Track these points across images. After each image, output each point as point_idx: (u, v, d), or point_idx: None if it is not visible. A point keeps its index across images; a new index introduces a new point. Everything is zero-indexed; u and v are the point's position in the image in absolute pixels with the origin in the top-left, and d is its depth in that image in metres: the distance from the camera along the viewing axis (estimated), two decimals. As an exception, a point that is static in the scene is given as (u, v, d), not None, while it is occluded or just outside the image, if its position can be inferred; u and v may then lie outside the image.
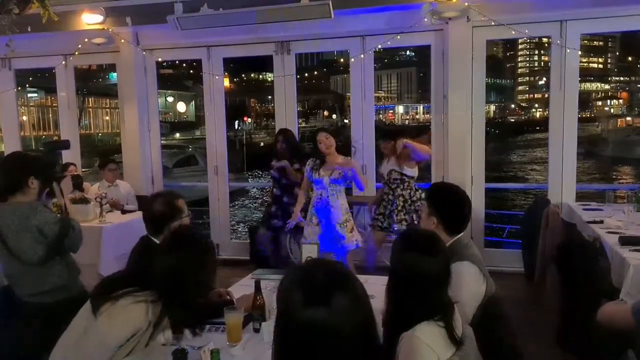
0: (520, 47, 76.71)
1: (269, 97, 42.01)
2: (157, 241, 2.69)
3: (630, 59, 71.35)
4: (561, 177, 5.66)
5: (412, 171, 5.01)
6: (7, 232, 2.85)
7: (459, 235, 2.48)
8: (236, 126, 38.94)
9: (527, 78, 77.62)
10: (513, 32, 5.48)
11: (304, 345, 1.17)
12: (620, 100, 68.18)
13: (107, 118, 39.39)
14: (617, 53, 74.96)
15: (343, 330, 1.16)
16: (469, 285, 2.31)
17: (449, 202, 2.52)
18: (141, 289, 2.04)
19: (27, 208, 2.86)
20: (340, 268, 1.27)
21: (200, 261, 2.12)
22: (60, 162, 5.43)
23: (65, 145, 4.26)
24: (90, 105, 37.96)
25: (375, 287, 2.08)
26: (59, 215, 3.05)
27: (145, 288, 2.05)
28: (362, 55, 6.02)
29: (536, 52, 77.06)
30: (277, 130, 5.92)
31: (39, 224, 2.84)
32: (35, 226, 2.82)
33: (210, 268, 2.18)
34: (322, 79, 62.08)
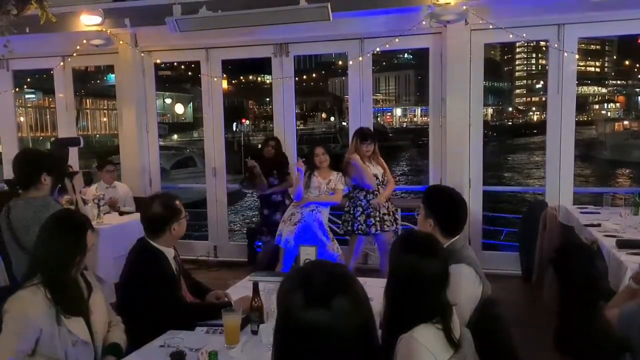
0: (517, 50, 76.91)
1: (267, 99, 41.99)
2: (154, 243, 2.69)
3: (627, 62, 71.60)
4: (559, 180, 5.67)
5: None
6: (19, 227, 2.90)
7: (455, 238, 2.50)
8: (234, 128, 38.92)
9: (525, 81, 77.82)
10: (511, 36, 5.50)
11: (303, 347, 1.17)
12: (617, 104, 68.41)
13: (105, 119, 39.32)
14: (614, 57, 75.22)
15: (343, 332, 1.16)
16: (465, 287, 2.32)
17: (445, 204, 2.55)
18: (29, 278, 2.17)
19: (39, 203, 2.92)
20: (340, 270, 1.27)
21: (64, 238, 2.22)
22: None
23: (76, 142, 4.30)
24: (88, 106, 37.89)
25: (374, 289, 2.07)
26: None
27: (33, 275, 2.17)
28: (360, 58, 6.02)
29: (534, 55, 77.27)
30: (272, 133, 6.09)
31: None
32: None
33: (73, 242, 2.24)
34: (320, 81, 62.07)
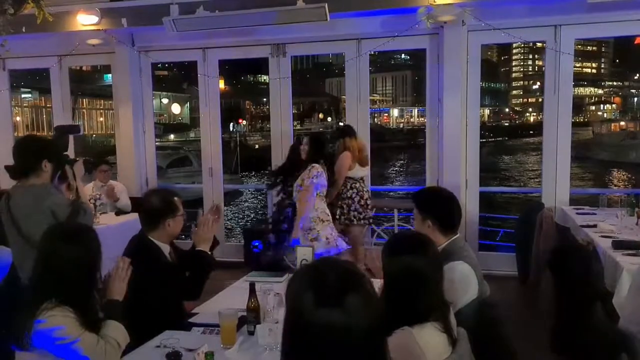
0: (514, 51, 77.08)
1: (264, 99, 42.00)
2: (151, 237, 2.70)
3: (623, 64, 71.84)
4: (555, 181, 5.68)
5: None
6: (19, 214, 2.90)
7: (455, 237, 2.52)
8: (231, 128, 38.89)
9: (521, 82, 78.03)
10: (508, 37, 5.51)
11: (315, 346, 1.15)
12: (614, 105, 68.67)
13: (102, 119, 39.28)
14: (611, 58, 75.48)
15: (355, 331, 1.14)
16: (461, 284, 2.32)
17: (437, 202, 2.60)
18: (41, 301, 1.99)
19: (40, 190, 2.92)
20: (351, 268, 1.25)
21: (70, 250, 2.06)
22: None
23: (76, 129, 4.24)
24: (85, 106, 37.83)
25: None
26: (71, 197, 3.10)
27: (46, 298, 1.99)
28: (357, 59, 6.03)
29: (530, 56, 77.46)
30: (269, 134, 5.96)
31: (52, 205, 2.88)
32: (48, 208, 2.86)
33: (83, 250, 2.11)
34: (317, 81, 62.12)
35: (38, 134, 29.65)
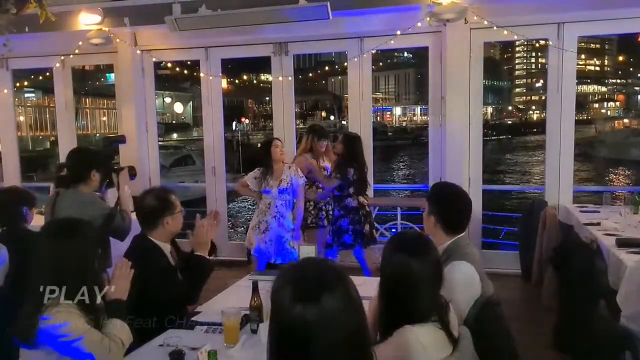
0: (517, 49, 76.76)
1: (267, 98, 41.99)
2: (150, 237, 2.69)
3: (627, 61, 71.50)
4: (558, 179, 5.67)
5: None
6: (62, 216, 3.10)
7: (459, 236, 2.46)
8: (234, 127, 38.92)
9: (524, 80, 77.67)
10: (510, 35, 5.49)
11: (293, 342, 1.17)
12: (617, 103, 68.38)
13: (105, 118, 39.28)
14: (614, 55, 75.11)
15: (332, 330, 1.15)
16: (463, 284, 2.31)
17: (447, 200, 2.52)
18: (44, 298, 1.99)
19: (86, 198, 3.27)
20: (333, 267, 1.26)
21: (73, 244, 2.08)
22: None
23: (122, 140, 4.69)
24: (88, 105, 37.85)
25: (372, 289, 2.07)
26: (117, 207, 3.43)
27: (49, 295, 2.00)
28: (359, 57, 6.02)
29: (533, 54, 77.05)
30: (271, 132, 6.07)
31: (95, 215, 3.15)
32: (91, 217, 2.99)
33: (85, 247, 2.12)
34: (319, 80, 62.01)
35: (41, 133, 29.75)
